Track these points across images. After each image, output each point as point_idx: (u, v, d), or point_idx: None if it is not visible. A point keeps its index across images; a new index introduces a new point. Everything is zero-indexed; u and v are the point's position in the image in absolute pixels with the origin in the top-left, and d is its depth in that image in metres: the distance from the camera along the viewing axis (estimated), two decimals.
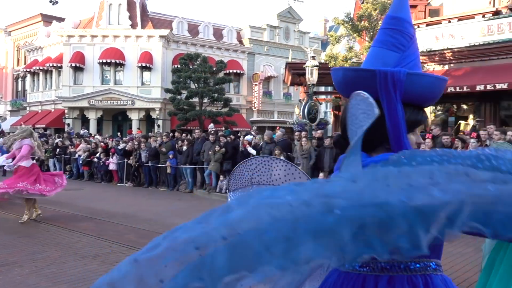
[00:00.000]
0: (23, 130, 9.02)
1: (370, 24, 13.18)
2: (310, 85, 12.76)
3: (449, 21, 14.25)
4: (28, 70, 34.06)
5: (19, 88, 38.76)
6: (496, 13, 13.52)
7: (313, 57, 12.96)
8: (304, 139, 11.50)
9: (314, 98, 13.37)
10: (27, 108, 35.24)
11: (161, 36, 29.52)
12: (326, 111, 32.60)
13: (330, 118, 24.45)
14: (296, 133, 12.51)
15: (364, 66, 1.46)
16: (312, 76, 12.56)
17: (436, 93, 1.44)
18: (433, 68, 14.50)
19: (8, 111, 38.81)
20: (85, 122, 29.93)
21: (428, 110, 15.33)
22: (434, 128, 10.14)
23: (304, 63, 13.29)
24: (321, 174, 11.04)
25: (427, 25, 14.69)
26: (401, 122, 1.37)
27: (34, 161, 9.20)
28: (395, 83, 1.35)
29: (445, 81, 1.46)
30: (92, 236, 7.49)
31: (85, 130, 24.85)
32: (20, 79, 38.43)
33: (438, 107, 15.18)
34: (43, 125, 29.76)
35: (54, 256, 6.16)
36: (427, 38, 14.18)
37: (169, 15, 33.01)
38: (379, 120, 1.26)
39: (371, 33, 13.32)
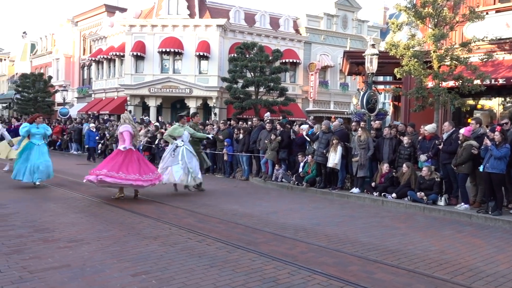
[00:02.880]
0: (125, 118, 9.98)
1: (434, 11, 12.55)
2: (369, 74, 12.41)
3: None
4: (93, 58, 35.73)
5: (85, 76, 40.80)
6: None
7: (373, 45, 12.57)
8: (360, 129, 11.25)
9: (373, 87, 12.99)
10: (92, 95, 37.02)
11: (218, 26, 29.87)
12: (384, 101, 31.69)
13: (389, 109, 23.74)
14: (353, 124, 12.25)
15: None
16: (371, 65, 12.18)
17: None
18: (502, 57, 13.64)
19: (75, 98, 40.98)
20: (145, 109, 31.02)
21: (496, 101, 14.50)
22: (506, 121, 9.50)
23: (363, 52, 12.94)
24: (385, 165, 10.74)
25: (497, 11, 13.80)
26: None
27: (132, 147, 9.76)
28: None
29: None
30: (153, 218, 7.78)
31: (147, 117, 25.77)
32: (85, 68, 40.43)
33: (508, 99, 14.28)
34: (107, 112, 31.15)
35: (118, 236, 6.47)
36: (496, 25, 13.32)
37: (226, 4, 33.29)
38: None
39: (435, 20, 12.69)
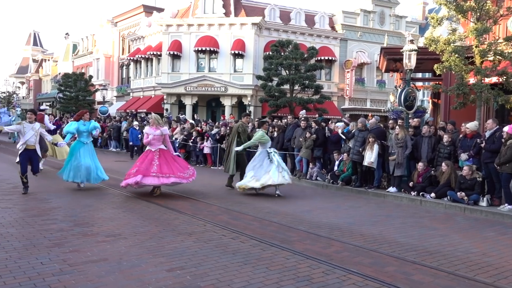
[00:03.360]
0: (158, 119, 10.12)
1: (477, 4, 12.10)
2: (408, 70, 12.10)
3: None
4: (131, 58, 36.57)
5: (124, 75, 41.82)
6: None
7: (412, 41, 12.24)
8: (397, 127, 10.99)
9: (412, 84, 12.66)
10: (131, 94, 37.90)
11: (253, 24, 29.89)
12: (423, 99, 30.86)
13: (428, 106, 23.09)
14: (390, 121, 11.98)
15: None
16: (410, 61, 11.88)
17: None
18: None
19: (114, 96, 42.08)
20: (181, 107, 31.47)
21: None
22: None
23: (401, 48, 12.63)
24: (420, 164, 10.46)
25: None
26: None
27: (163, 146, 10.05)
28: None
29: None
30: (188, 214, 7.86)
31: (183, 115, 26.09)
32: (124, 67, 41.44)
33: None
34: (145, 110, 31.79)
35: (154, 231, 6.57)
36: None
37: (262, 2, 33.26)
38: None
39: (478, 14, 12.23)
